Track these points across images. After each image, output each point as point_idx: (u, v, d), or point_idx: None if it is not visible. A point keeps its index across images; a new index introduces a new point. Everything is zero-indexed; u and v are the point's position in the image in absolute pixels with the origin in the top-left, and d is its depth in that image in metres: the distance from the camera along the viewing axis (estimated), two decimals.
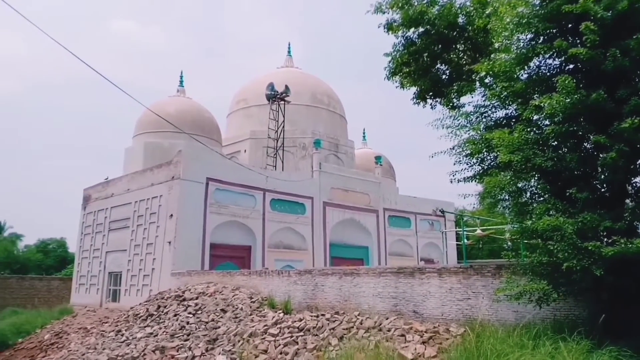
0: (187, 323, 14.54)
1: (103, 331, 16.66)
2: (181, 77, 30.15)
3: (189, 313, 15.33)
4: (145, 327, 15.33)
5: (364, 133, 39.69)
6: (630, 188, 8.64)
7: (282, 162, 27.67)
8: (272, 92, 28.03)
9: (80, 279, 27.06)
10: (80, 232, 27.89)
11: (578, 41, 8.32)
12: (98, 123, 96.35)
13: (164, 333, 14.16)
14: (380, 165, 31.98)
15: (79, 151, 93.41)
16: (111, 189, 26.09)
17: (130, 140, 28.42)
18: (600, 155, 8.00)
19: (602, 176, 8.31)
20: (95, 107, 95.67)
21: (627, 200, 8.55)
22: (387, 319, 12.00)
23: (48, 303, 29.99)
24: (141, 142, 26.75)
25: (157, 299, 17.81)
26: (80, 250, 27.66)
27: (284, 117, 27.99)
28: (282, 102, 28.19)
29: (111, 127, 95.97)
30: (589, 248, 7.20)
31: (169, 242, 21.16)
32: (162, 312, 16.24)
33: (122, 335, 15.11)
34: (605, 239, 7.67)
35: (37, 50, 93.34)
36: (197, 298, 16.53)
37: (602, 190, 8.51)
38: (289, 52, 34.46)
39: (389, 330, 11.26)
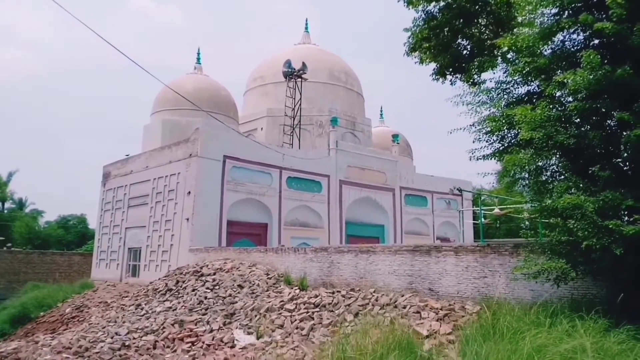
0: (205, 298, 14.78)
1: (123, 305, 17.02)
2: (198, 54, 30.11)
3: (207, 288, 15.57)
4: (164, 301, 15.63)
5: (381, 111, 39.49)
6: None
7: (299, 140, 27.64)
8: (289, 70, 27.86)
9: (100, 255, 27.63)
10: (100, 209, 28.36)
11: (604, 15, 8.07)
12: (118, 102, 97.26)
13: (183, 307, 14.43)
14: (397, 143, 31.78)
15: (99, 130, 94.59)
16: (130, 166, 26.39)
17: (148, 118, 28.63)
18: (624, 133, 7.81)
19: (625, 154, 8.11)
20: (115, 86, 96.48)
21: None
22: (402, 296, 12.04)
23: (69, 278, 30.67)
24: (159, 120, 26.93)
25: (175, 274, 18.11)
26: (100, 226, 28.17)
27: (300, 94, 27.86)
28: (299, 79, 28.02)
29: (131, 106, 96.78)
30: (610, 226, 7.09)
31: (187, 219, 21.42)
32: (181, 287, 16.52)
33: (142, 309, 15.42)
34: (627, 218, 7.53)
35: (59, 30, 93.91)
36: (214, 274, 16.77)
37: (625, 168, 8.33)
38: (306, 28, 34.14)
39: (404, 307, 11.32)
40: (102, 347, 11.98)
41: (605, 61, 7.87)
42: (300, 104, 27.84)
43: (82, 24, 11.78)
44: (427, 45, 12.50)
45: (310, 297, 13.31)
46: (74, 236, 47.52)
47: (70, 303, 21.78)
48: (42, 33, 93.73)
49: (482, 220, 17.48)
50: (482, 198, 28.28)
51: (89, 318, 17.75)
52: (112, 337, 12.70)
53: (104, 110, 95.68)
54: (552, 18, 8.99)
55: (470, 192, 29.68)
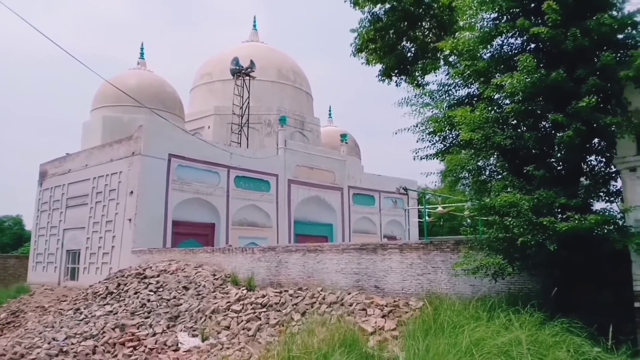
0: (148, 301, 14.35)
1: (61, 309, 16.27)
2: (142, 49, 29.14)
3: (150, 291, 15.12)
4: (104, 305, 15.05)
5: (329, 110, 39.67)
6: (585, 166, 8.93)
7: (247, 138, 27.33)
8: (237, 67, 27.48)
9: (37, 257, 26.30)
10: (37, 209, 26.99)
11: (540, 21, 8.43)
12: (56, 97, 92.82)
13: (124, 311, 13.95)
14: (346, 143, 32.03)
15: (37, 126, 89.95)
16: (68, 165, 25.24)
17: (88, 115, 27.47)
18: (558, 134, 8.20)
19: (559, 154, 8.52)
20: (54, 80, 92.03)
21: (582, 179, 8.84)
22: (349, 294, 12.15)
23: (4, 282, 29.12)
24: (100, 116, 25.86)
25: (117, 277, 17.48)
26: (37, 228, 26.81)
27: (249, 92, 27.57)
28: (247, 77, 27.70)
29: (70, 101, 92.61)
30: (544, 223, 7.41)
31: (129, 220, 20.72)
32: (122, 290, 15.97)
33: (81, 313, 14.79)
34: (560, 215, 7.90)
35: None
36: (158, 276, 16.31)
37: (559, 168, 8.75)
38: (254, 26, 33.78)
39: (350, 305, 11.42)
40: (38, 353, 11.48)
41: (541, 65, 8.23)
42: (248, 103, 27.54)
43: (16, 14, 11.14)
44: (373, 46, 12.69)
45: (258, 297, 13.20)
46: (9, 238, 45.15)
47: (5, 308, 20.75)
48: None
49: (427, 218, 17.94)
50: (427, 197, 29.02)
51: (25, 323, 17.01)
52: (49, 343, 12.18)
53: (41, 104, 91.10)
54: (491, 22, 9.33)
55: (415, 191, 30.40)
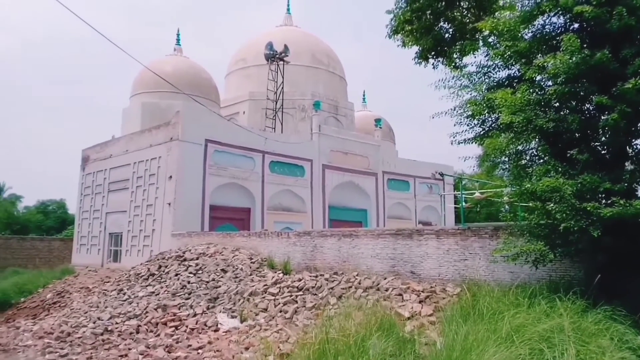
0: (188, 282, 14.74)
1: (105, 290, 16.89)
2: (178, 35, 29.56)
3: (190, 273, 15.53)
4: (147, 286, 15.55)
5: (364, 95, 39.50)
6: (630, 150, 8.59)
7: (282, 123, 27.48)
8: (271, 52, 27.55)
9: (81, 240, 27.30)
10: (80, 193, 27.94)
11: None
12: (99, 81, 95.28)
13: (166, 292, 14.38)
14: (380, 128, 31.80)
15: (80, 111, 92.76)
16: (110, 150, 26.00)
17: (128, 101, 28.14)
18: (602, 117, 7.93)
19: (603, 138, 8.26)
20: (95, 66, 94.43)
21: (627, 163, 8.52)
22: (385, 279, 12.17)
23: (49, 263, 30.25)
24: (139, 103, 26.48)
25: (158, 259, 18.01)
26: (80, 211, 27.79)
27: (283, 77, 27.63)
28: (281, 62, 27.75)
29: (113, 86, 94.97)
30: (588, 209, 7.21)
31: (169, 204, 21.25)
32: (164, 272, 16.44)
33: (124, 294, 15.33)
34: (604, 201, 7.67)
35: (35, 7, 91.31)
36: (197, 258, 16.71)
37: (603, 152, 8.47)
38: (288, 9, 33.66)
39: (386, 290, 11.44)
40: (84, 332, 11.94)
41: (585, 45, 7.94)
42: (282, 88, 27.63)
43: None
44: (410, 28, 12.44)
45: (294, 281, 13.37)
46: (54, 221, 46.78)
47: (51, 289, 21.52)
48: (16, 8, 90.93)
49: (463, 204, 17.64)
50: (464, 182, 28.55)
51: (70, 304, 17.58)
52: (94, 322, 12.65)
53: (85, 89, 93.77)
54: (532, 1, 9.01)
55: (451, 176, 29.93)
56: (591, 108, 8.44)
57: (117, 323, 12.46)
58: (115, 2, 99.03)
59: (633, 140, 8.56)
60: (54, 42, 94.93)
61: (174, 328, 11.96)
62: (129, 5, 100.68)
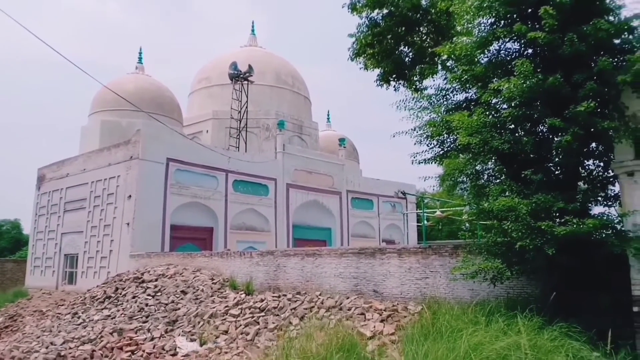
0: (146, 305, 14.31)
1: (59, 314, 16.22)
2: (140, 53, 29.21)
3: (148, 295, 15.09)
4: (102, 309, 15.01)
5: (328, 115, 39.71)
6: (583, 171, 8.95)
7: (246, 143, 27.35)
8: (235, 72, 27.54)
9: (35, 261, 26.25)
10: (35, 213, 26.97)
11: (537, 26, 8.45)
12: (55, 102, 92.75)
13: (122, 315, 13.91)
14: (344, 147, 32.07)
15: (34, 130, 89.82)
16: (66, 169, 25.22)
17: (86, 119, 27.47)
18: (555, 139, 8.22)
19: (557, 159, 8.53)
20: (53, 85, 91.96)
21: (580, 183, 8.85)
22: (347, 298, 12.14)
23: (2, 286, 29.01)
24: (98, 121, 25.88)
25: (115, 281, 17.45)
26: (35, 232, 26.77)
27: (247, 97, 27.61)
28: (246, 81, 27.75)
29: (69, 107, 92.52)
30: (542, 227, 7.42)
31: (127, 224, 20.70)
32: (120, 294, 15.94)
33: (79, 317, 14.75)
34: (558, 220, 7.90)
35: None
36: (156, 280, 16.28)
37: (557, 172, 8.76)
38: (252, 31, 33.86)
39: (349, 309, 11.40)
40: (36, 357, 11.48)
41: (538, 70, 8.25)
42: (246, 107, 27.58)
43: (13, 19, 11.16)
44: (371, 51, 12.71)
45: (256, 302, 13.17)
46: (7, 242, 44.92)
47: (3, 312, 20.68)
48: None
49: (425, 222, 17.95)
50: (425, 201, 29.03)
51: (22, 328, 16.96)
52: (47, 347, 12.16)
53: (39, 109, 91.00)
54: (488, 27, 9.36)
55: (414, 195, 30.42)
56: (545, 130, 8.75)
57: (70, 348, 11.95)
58: (75, 27, 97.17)
59: (585, 161, 8.93)
60: (8, 64, 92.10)
61: (130, 353, 11.53)
62: (89, 30, 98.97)
